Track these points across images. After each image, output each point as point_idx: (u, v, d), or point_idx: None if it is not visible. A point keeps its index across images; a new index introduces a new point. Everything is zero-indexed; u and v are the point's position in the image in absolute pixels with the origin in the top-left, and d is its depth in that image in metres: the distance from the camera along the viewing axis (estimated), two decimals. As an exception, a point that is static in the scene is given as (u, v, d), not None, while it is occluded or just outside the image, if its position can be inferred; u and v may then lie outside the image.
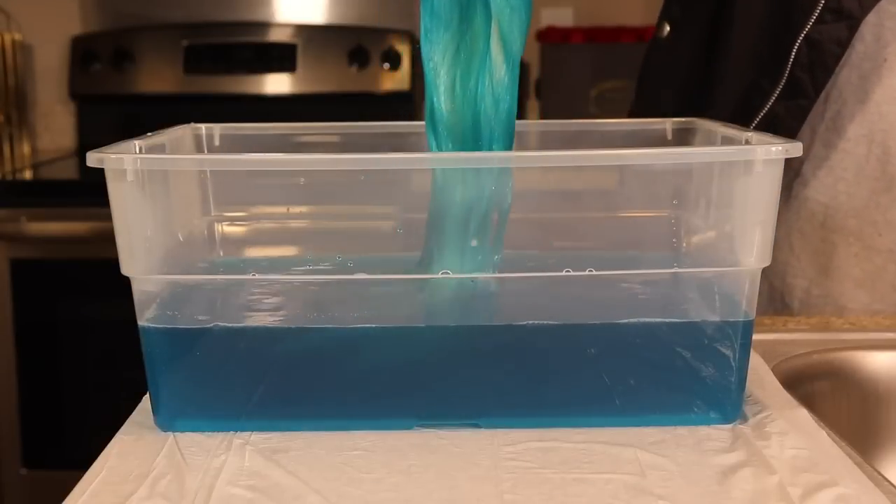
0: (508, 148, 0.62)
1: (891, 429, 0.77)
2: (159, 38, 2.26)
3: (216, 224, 0.70)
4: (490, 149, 0.62)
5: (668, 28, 1.05)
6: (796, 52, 0.91)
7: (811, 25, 0.90)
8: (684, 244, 0.66)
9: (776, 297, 1.01)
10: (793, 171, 0.98)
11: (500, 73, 0.62)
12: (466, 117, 0.62)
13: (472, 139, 0.62)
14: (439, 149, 0.62)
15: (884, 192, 0.94)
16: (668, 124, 0.75)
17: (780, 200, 0.97)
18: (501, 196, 0.61)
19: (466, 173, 0.61)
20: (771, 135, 0.61)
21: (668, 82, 1.06)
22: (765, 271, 1.00)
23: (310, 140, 0.78)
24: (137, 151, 0.60)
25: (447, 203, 0.62)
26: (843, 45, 0.90)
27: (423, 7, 0.60)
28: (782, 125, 0.93)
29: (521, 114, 2.16)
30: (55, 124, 2.33)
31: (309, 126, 0.76)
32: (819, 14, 0.90)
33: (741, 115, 0.94)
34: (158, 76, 2.25)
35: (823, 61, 0.91)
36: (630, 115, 1.11)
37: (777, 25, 0.93)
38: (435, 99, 0.62)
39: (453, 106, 0.61)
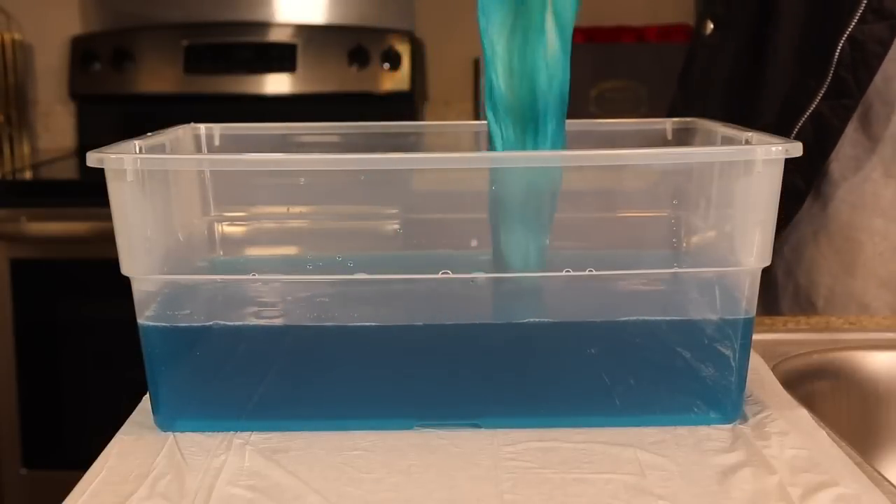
0: (561, 125, 0.62)
1: (891, 429, 0.77)
2: (159, 38, 2.26)
3: (216, 224, 0.70)
4: (545, 126, 0.61)
5: (711, 25, 1.05)
6: (840, 52, 0.91)
7: (854, 25, 0.90)
8: (684, 244, 0.66)
9: (801, 294, 1.01)
10: (820, 171, 0.98)
11: (553, 47, 0.61)
12: (524, 94, 0.61)
13: (530, 116, 0.61)
14: (498, 127, 0.61)
15: None
16: (668, 124, 0.75)
17: (808, 199, 0.99)
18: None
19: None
20: (772, 135, 0.61)
21: (712, 81, 1.06)
22: (791, 269, 1.02)
23: (310, 140, 0.78)
24: (137, 151, 0.60)
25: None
26: (886, 44, 0.91)
27: None
28: (827, 124, 0.93)
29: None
30: (55, 124, 2.33)
31: (309, 126, 0.76)
32: (861, 14, 0.90)
33: (787, 114, 0.95)
34: (158, 76, 2.25)
35: (866, 61, 0.91)
36: (670, 114, 1.11)
37: (820, 25, 0.94)
38: (493, 76, 0.60)
39: (511, 83, 0.61)
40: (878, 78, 0.93)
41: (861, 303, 0.98)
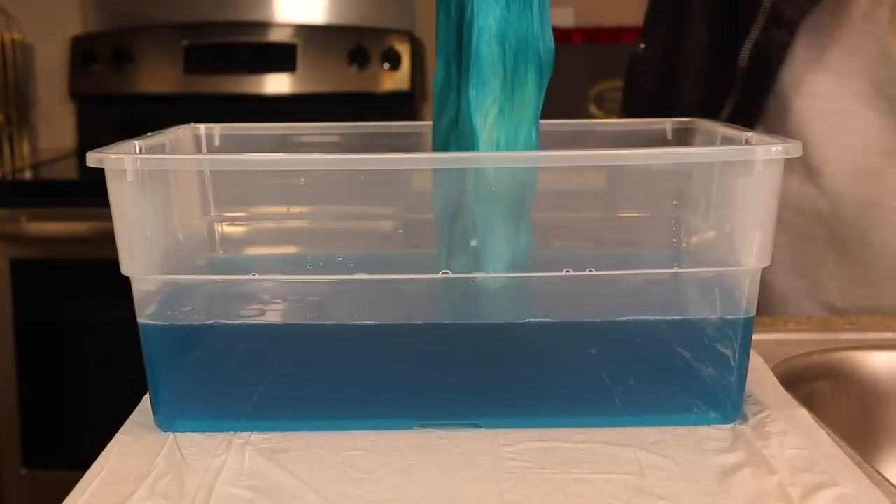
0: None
1: (891, 429, 0.77)
2: (159, 38, 2.26)
3: (216, 224, 0.70)
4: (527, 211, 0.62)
5: (642, 45, 1.11)
6: (745, 61, 0.96)
7: (757, 34, 0.95)
8: (684, 244, 0.66)
9: None
10: None
11: (534, 132, 0.63)
12: (509, 178, 0.61)
13: (515, 201, 0.62)
14: (476, 204, 0.61)
15: (808, 181, 0.99)
16: (668, 124, 0.75)
17: None
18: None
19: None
20: (770, 135, 0.61)
21: (644, 95, 1.12)
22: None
23: (310, 140, 0.78)
24: (137, 151, 0.60)
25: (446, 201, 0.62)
26: (785, 50, 0.96)
27: (472, 71, 0.60)
28: None
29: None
30: (55, 124, 2.33)
31: (309, 126, 0.76)
32: (763, 23, 0.95)
33: None
34: (158, 76, 2.25)
35: (768, 68, 0.96)
36: None
37: (725, 38, 0.99)
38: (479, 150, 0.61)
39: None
40: None
41: (781, 295, 1.02)
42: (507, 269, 0.61)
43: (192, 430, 0.60)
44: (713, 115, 0.97)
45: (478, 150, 0.61)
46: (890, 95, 0.95)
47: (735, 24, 0.98)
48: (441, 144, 0.66)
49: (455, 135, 0.64)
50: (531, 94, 0.62)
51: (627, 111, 1.16)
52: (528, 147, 0.62)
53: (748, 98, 0.97)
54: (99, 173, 0.57)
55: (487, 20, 0.60)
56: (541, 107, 0.63)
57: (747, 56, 0.96)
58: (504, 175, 0.61)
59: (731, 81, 0.97)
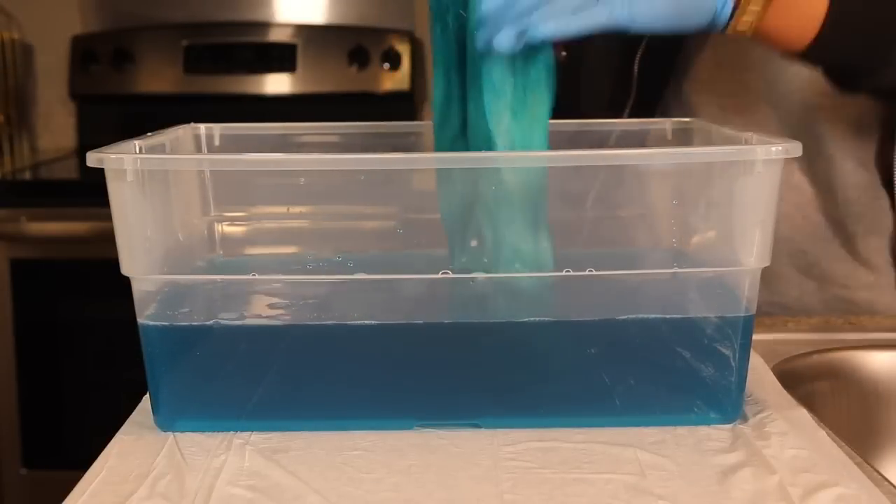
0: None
1: (891, 429, 0.77)
2: (159, 38, 2.26)
3: (216, 224, 0.70)
4: (544, 207, 0.63)
5: (563, 53, 1.14)
6: (637, 68, 0.98)
7: (645, 42, 0.97)
8: (684, 244, 0.66)
9: None
10: None
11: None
12: (529, 175, 0.62)
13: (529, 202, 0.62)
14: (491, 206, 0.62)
15: None
16: (667, 124, 0.76)
17: None
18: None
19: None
20: (768, 135, 0.61)
21: (563, 103, 1.15)
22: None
23: (310, 140, 0.78)
24: (137, 151, 0.60)
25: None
26: (676, 52, 0.98)
27: (483, 79, 0.61)
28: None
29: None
30: (55, 124, 2.33)
31: (309, 126, 0.76)
32: None
33: None
34: (158, 76, 2.25)
35: (660, 71, 0.99)
36: None
37: (620, 44, 1.01)
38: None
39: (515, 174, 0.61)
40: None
41: None
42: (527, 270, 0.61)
43: (192, 430, 0.60)
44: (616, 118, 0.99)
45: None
46: (781, 91, 0.95)
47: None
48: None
49: (461, 144, 0.64)
50: (543, 94, 0.62)
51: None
52: (541, 145, 0.62)
53: (642, 103, 0.99)
54: (99, 173, 0.57)
55: None
56: (551, 105, 0.63)
57: (637, 63, 0.98)
58: (517, 176, 0.61)
59: (629, 87, 0.99)
